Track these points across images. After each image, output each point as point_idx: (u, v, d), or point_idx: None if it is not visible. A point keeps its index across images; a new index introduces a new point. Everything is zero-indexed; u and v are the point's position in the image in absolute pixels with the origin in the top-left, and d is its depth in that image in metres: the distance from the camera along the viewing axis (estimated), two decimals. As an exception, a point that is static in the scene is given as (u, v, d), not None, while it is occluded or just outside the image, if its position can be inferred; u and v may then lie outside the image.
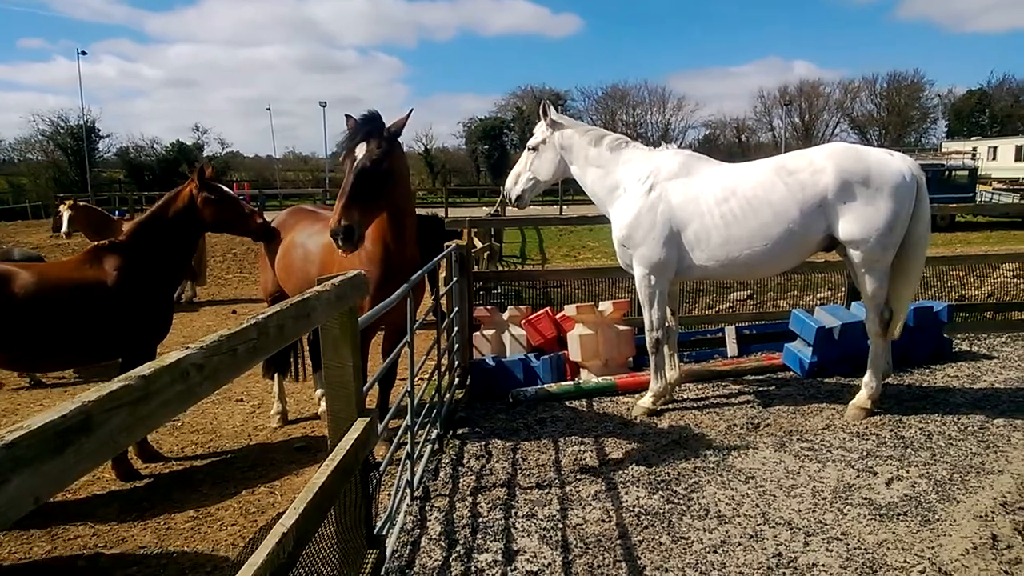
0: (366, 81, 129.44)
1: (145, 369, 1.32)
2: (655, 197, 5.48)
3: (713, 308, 11.59)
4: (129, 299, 4.89)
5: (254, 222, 5.52)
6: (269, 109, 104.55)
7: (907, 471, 4.38)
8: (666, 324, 5.80)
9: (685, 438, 5.14)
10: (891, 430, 5.09)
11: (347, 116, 4.79)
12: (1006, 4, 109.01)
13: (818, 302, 10.92)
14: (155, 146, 63.87)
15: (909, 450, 4.72)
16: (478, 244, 12.48)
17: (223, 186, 5.47)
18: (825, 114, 75.15)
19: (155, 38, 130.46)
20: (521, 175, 6.01)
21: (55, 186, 50.79)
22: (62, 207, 13.69)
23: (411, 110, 4.96)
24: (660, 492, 4.21)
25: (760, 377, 6.63)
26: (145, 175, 58.72)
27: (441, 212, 22.65)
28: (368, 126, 4.63)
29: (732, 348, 7.47)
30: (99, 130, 59.84)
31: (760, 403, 5.85)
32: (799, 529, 3.71)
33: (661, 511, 3.97)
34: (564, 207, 32.72)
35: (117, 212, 25.39)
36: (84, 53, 59.56)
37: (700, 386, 6.43)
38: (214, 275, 16.63)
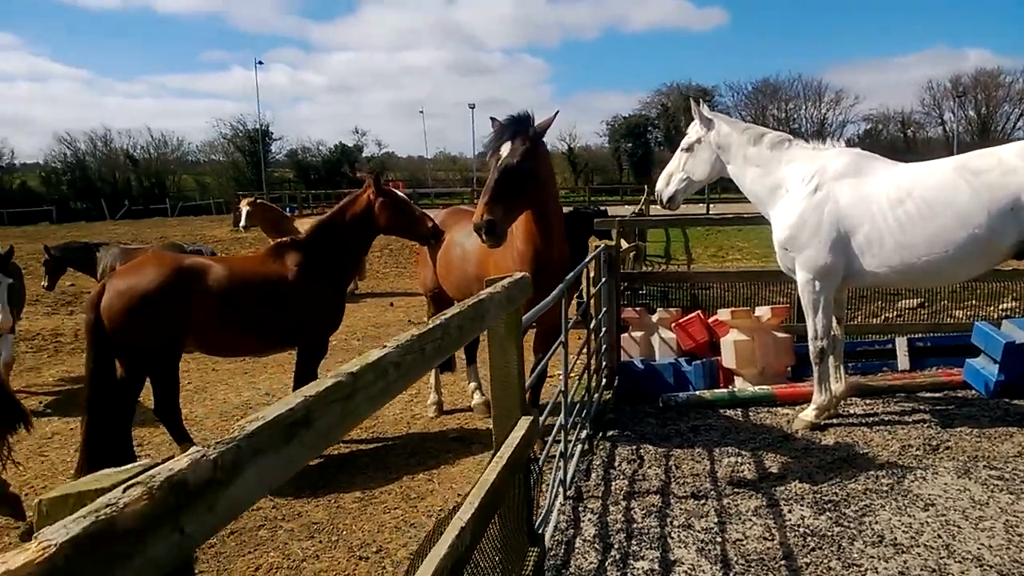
0: (511, 83, 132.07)
1: (353, 366, 1.40)
2: (821, 197, 5.19)
3: (879, 316, 10.85)
4: (307, 293, 5.25)
5: (425, 226, 5.72)
6: (422, 112, 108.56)
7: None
8: (831, 333, 5.48)
9: (853, 456, 4.84)
10: (1099, 460, 4.56)
11: (492, 119, 4.95)
12: None
13: (1001, 314, 9.94)
14: (320, 148, 68.66)
15: (1122, 485, 4.21)
16: (624, 244, 12.35)
17: (397, 192, 5.76)
18: (1006, 106, 68.04)
19: (319, 47, 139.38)
20: (674, 175, 5.89)
21: (234, 184, 55.73)
22: (242, 203, 14.90)
23: (557, 112, 5.04)
24: (827, 513, 3.98)
25: (936, 395, 6.13)
26: (311, 175, 63.15)
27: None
28: (514, 127, 4.75)
29: (903, 361, 6.95)
30: (272, 133, 65.16)
31: (938, 423, 5.41)
32: (991, 567, 3.37)
33: (829, 533, 3.75)
34: (711, 205, 31.74)
35: (288, 209, 27.31)
36: (261, 63, 64.65)
37: (868, 401, 6.03)
38: (373, 269, 17.56)
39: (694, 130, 5.81)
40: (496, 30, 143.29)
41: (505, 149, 4.70)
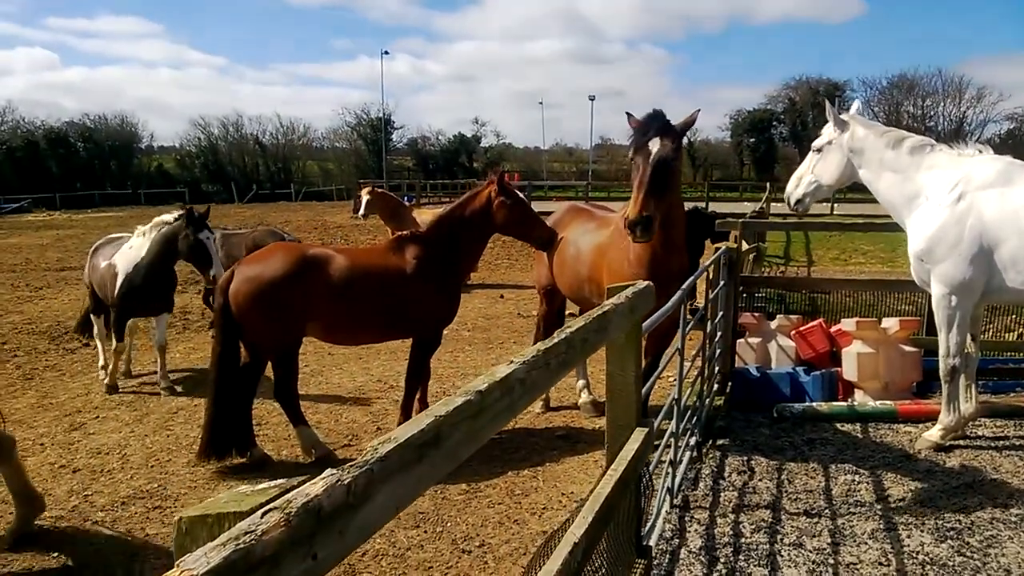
0: (631, 73, 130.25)
1: (480, 384, 1.47)
2: (964, 208, 4.90)
3: (1012, 331, 10.10)
4: (424, 286, 5.41)
5: (541, 232, 5.70)
6: (541, 103, 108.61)
7: None
8: (964, 351, 5.18)
9: (980, 482, 4.57)
10: None
11: (628, 115, 4.91)
12: None
13: None
14: (439, 137, 70.29)
15: None
16: (744, 245, 12.02)
17: (519, 192, 5.77)
18: None
19: (441, 36, 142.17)
20: (803, 178, 5.70)
21: (356, 172, 57.92)
22: (362, 192, 15.46)
23: (698, 110, 4.95)
24: (949, 541, 3.80)
25: (1079, 421, 5.69)
26: (430, 164, 64.81)
27: (701, 206, 22.05)
28: (659, 122, 4.70)
29: (1042, 382, 6.48)
30: (394, 122, 67.12)
31: (1079, 452, 5.03)
32: None
33: (950, 563, 3.58)
34: (836, 205, 30.29)
35: (406, 198, 28.12)
36: (387, 53, 66.53)
37: (999, 424, 5.67)
38: (485, 260, 17.73)
39: (827, 131, 5.60)
40: (618, 20, 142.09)
41: (655, 145, 4.63)
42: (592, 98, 64.02)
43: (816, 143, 5.67)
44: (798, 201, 5.74)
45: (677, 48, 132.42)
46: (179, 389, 7.48)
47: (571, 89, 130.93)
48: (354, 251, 6.00)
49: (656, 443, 4.19)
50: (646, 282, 2.82)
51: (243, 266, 5.34)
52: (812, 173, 5.65)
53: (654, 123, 4.68)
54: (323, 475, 1.04)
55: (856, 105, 5.79)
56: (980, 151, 5.18)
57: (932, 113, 66.49)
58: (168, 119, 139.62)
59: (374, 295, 5.32)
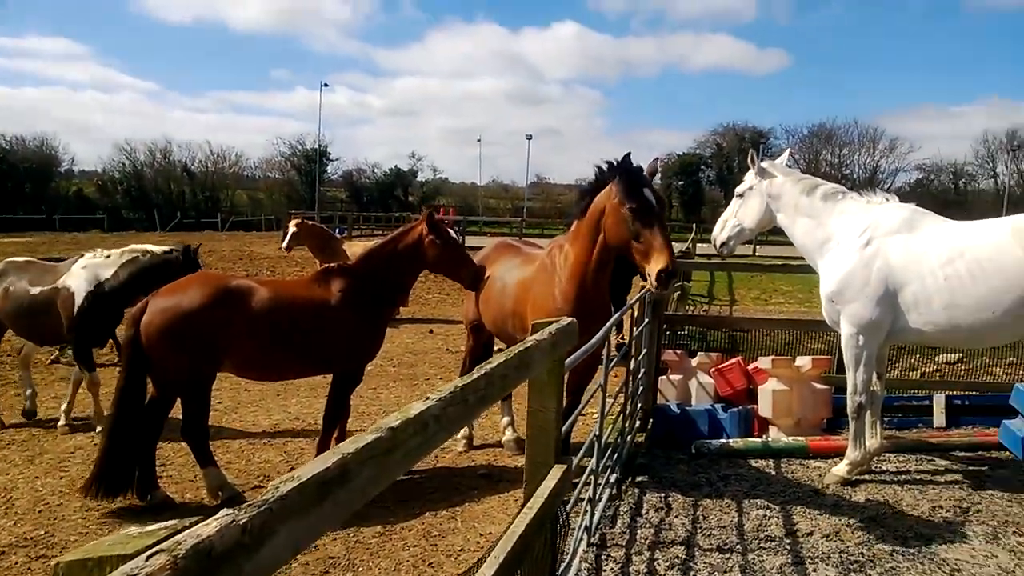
0: (567, 113, 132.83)
1: (392, 421, 1.50)
2: (872, 253, 5.20)
3: (917, 370, 10.65)
4: (349, 320, 5.35)
5: (469, 270, 5.75)
6: (479, 140, 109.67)
7: None
8: (871, 388, 5.45)
9: (883, 516, 4.79)
10: None
11: (600, 167, 5.05)
12: None
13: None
14: (375, 170, 70.17)
15: None
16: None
17: (450, 231, 5.83)
18: (1059, 162, 66.41)
19: (383, 71, 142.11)
20: (728, 221, 5.98)
21: (287, 202, 57.04)
22: (291, 223, 15.27)
23: (657, 159, 5.16)
24: (853, 574, 3.97)
25: (971, 455, 6.03)
26: (364, 196, 64.37)
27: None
28: (646, 175, 4.86)
29: (940, 419, 6.85)
30: (330, 154, 66.80)
31: (970, 485, 5.33)
32: (1016, 641, 3.35)
33: (853, 595, 3.74)
34: (758, 247, 31.45)
35: (338, 229, 27.82)
36: (327, 85, 66.28)
37: (902, 458, 5.96)
38: (415, 294, 17.62)
39: (748, 178, 5.89)
40: (556, 62, 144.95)
41: (651, 195, 4.72)
42: (529, 137, 65.46)
43: (739, 189, 5.96)
44: (723, 243, 6.00)
45: (612, 91, 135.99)
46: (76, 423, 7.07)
47: (508, 127, 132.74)
48: (276, 283, 5.92)
49: (576, 480, 4.26)
50: (569, 319, 2.90)
51: (157, 297, 5.15)
52: (735, 217, 5.92)
53: (644, 175, 4.82)
54: (217, 515, 1.00)
55: (786, 155, 6.12)
56: (887, 199, 5.51)
57: (848, 161, 70.32)
58: (92, 143, 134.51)
59: (296, 329, 5.22)
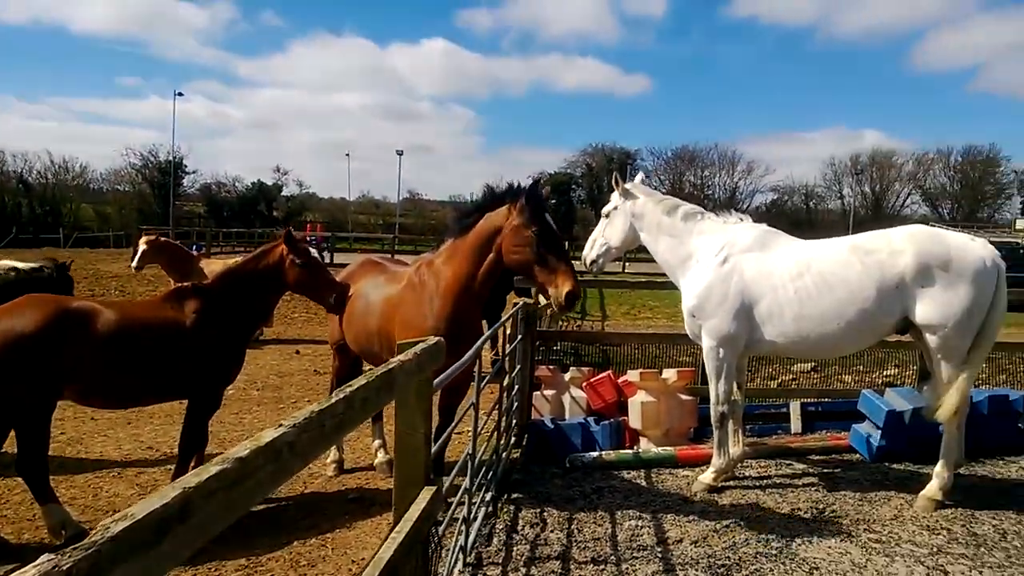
0: (439, 130, 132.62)
1: (241, 451, 1.35)
2: (728, 269, 5.43)
3: (775, 379, 11.32)
4: (203, 343, 5.02)
5: (331, 292, 5.47)
6: (348, 155, 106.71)
7: (980, 572, 4.16)
8: (732, 398, 5.68)
9: (747, 519, 4.98)
10: (963, 525, 4.84)
11: (491, 187, 5.26)
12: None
13: (884, 379, 10.55)
14: (236, 184, 66.76)
15: (982, 549, 4.47)
16: (542, 301, 12.48)
17: (312, 251, 5.58)
18: (897, 185, 73.73)
19: (242, 81, 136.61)
20: (596, 241, 6.09)
21: (139, 217, 53.36)
22: (141, 241, 14.25)
23: (540, 180, 5.43)
24: (720, 578, 4.07)
25: (825, 458, 6.41)
26: (225, 211, 61.21)
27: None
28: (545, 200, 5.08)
29: (796, 425, 7.26)
30: (186, 166, 62.96)
31: (825, 487, 5.64)
32: (869, 633, 3.53)
33: (721, 599, 3.83)
34: (627, 264, 32.59)
35: (195, 246, 26.34)
36: (181, 94, 62.50)
37: (763, 464, 6.24)
38: (280, 314, 16.97)
39: (614, 198, 6.03)
40: (427, 78, 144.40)
41: (551, 220, 4.92)
42: (400, 153, 64.92)
43: (605, 209, 6.10)
44: (592, 262, 6.11)
45: (484, 109, 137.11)
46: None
47: (379, 142, 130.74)
48: (123, 304, 5.44)
49: (451, 500, 4.16)
50: (436, 338, 2.80)
51: None
52: (603, 236, 6.05)
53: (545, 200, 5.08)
54: (37, 561, 0.90)
55: (640, 176, 6.29)
56: (742, 219, 5.80)
57: (710, 183, 74.58)
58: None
59: (144, 354, 4.84)
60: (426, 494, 2.59)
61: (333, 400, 1.76)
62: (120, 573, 1.00)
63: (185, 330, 4.99)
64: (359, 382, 1.99)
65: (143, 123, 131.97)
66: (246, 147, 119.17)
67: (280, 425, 1.51)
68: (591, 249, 6.10)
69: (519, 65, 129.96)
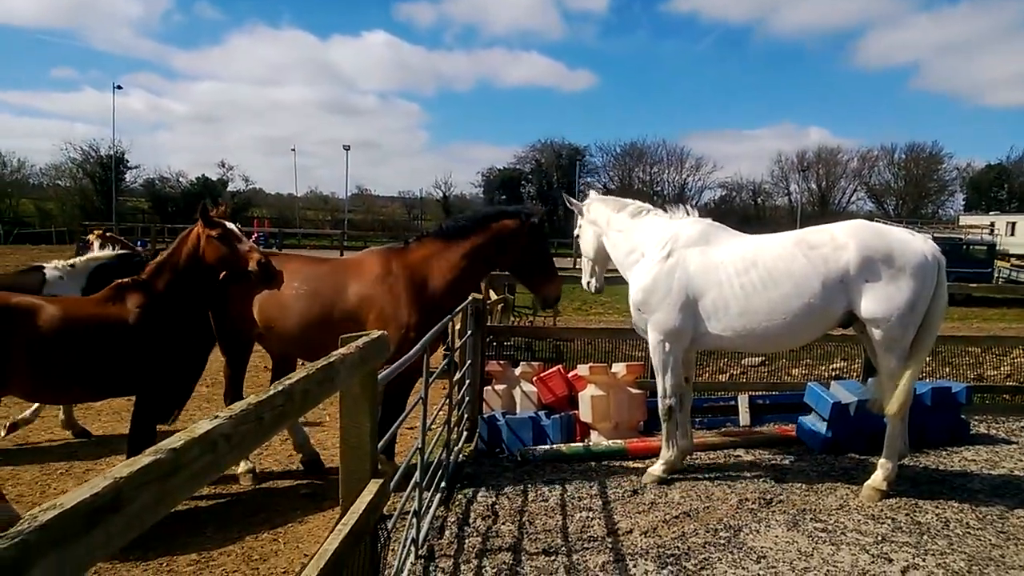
0: (385, 126, 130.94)
1: (175, 441, 1.32)
2: (673, 263, 5.51)
3: (725, 373, 11.51)
4: (148, 337, 4.91)
5: (252, 260, 5.05)
6: (294, 150, 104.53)
7: (923, 559, 4.28)
8: (680, 391, 5.76)
9: (696, 510, 5.06)
10: (907, 514, 4.99)
11: (506, 208, 6.00)
12: (1019, 79, 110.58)
13: (832, 373, 10.82)
14: (180, 179, 65.02)
15: (925, 537, 4.62)
16: (493, 296, 12.50)
17: (228, 224, 5.19)
18: (842, 181, 75.47)
19: (181, 74, 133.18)
20: (582, 265, 6.41)
21: (80, 213, 51.65)
22: (91, 236, 13.81)
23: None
24: (669, 567, 4.13)
25: (773, 449, 6.54)
26: (169, 207, 59.55)
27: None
28: None
29: (745, 417, 7.40)
30: (128, 161, 61.05)
31: (772, 477, 5.76)
32: (811, 617, 3.62)
33: (669, 588, 3.89)
34: (577, 260, 32.78)
35: (139, 242, 25.71)
36: (120, 87, 60.66)
37: (712, 455, 6.34)
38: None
39: (577, 219, 6.30)
40: (370, 72, 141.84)
41: None
42: (347, 148, 63.99)
43: (575, 232, 6.34)
44: (587, 283, 6.38)
45: (430, 105, 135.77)
46: None
47: (325, 137, 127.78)
48: (65, 300, 5.28)
49: (402, 494, 4.14)
50: (380, 331, 2.78)
51: None
52: (583, 256, 6.30)
53: None
54: None
55: (592, 193, 6.39)
56: (688, 213, 5.89)
57: (659, 179, 75.11)
58: None
59: (88, 350, 4.72)
60: (372, 487, 2.57)
61: (272, 392, 1.73)
62: (49, 562, 0.99)
63: (128, 325, 4.87)
64: (300, 374, 1.96)
65: (81, 117, 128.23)
66: (189, 142, 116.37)
67: (216, 417, 1.48)
68: (583, 275, 6.41)
69: (463, 59, 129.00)
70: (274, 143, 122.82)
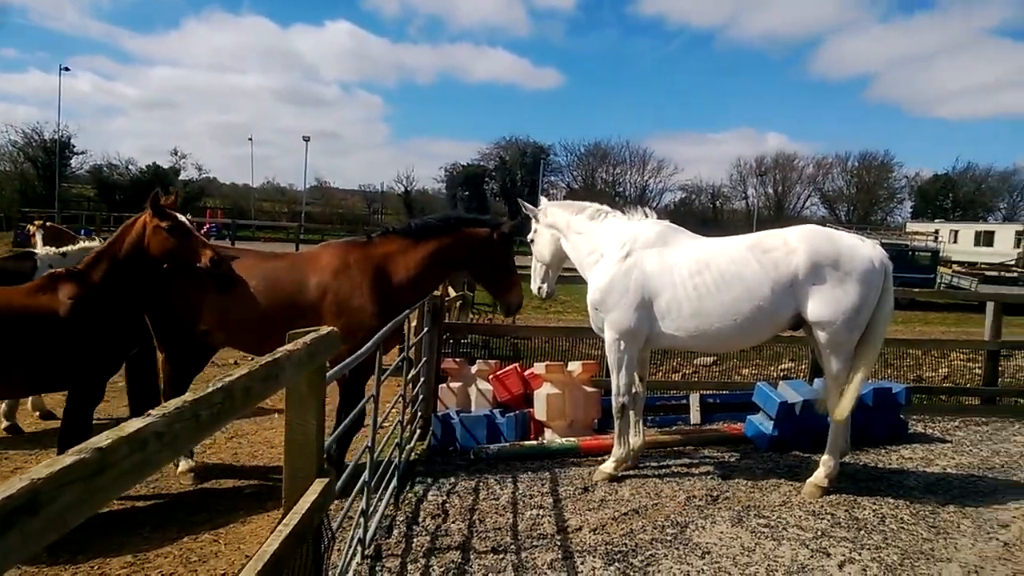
0: (347, 117, 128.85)
1: (103, 440, 1.28)
2: (630, 264, 5.55)
3: (678, 372, 11.65)
4: (83, 330, 4.72)
5: (204, 256, 4.93)
6: (251, 139, 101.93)
7: (859, 554, 4.39)
8: (633, 390, 5.81)
9: (644, 507, 5.10)
10: (846, 510, 5.11)
11: (475, 215, 6.18)
12: (968, 92, 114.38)
13: (781, 373, 11.03)
14: (130, 167, 62.87)
15: (862, 532, 4.74)
16: (452, 292, 12.45)
17: (179, 216, 5.05)
18: (798, 187, 77.00)
19: (134, 58, 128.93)
20: (533, 270, 6.32)
21: (20, 198, 49.77)
22: (32, 227, 13.34)
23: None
24: (616, 564, 4.16)
25: (721, 447, 6.65)
26: (117, 195, 57.60)
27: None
28: None
29: (695, 416, 7.50)
30: (74, 146, 58.98)
31: (720, 475, 5.85)
32: (754, 614, 3.67)
33: (616, 585, 3.91)
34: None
35: (84, 231, 24.97)
36: (67, 69, 58.66)
37: (662, 453, 6.41)
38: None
39: (532, 224, 6.26)
40: (331, 62, 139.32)
41: None
42: (307, 139, 62.82)
43: (530, 237, 6.28)
44: (539, 289, 6.31)
45: (392, 97, 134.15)
46: None
47: (283, 127, 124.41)
48: None
49: (350, 493, 4.09)
50: (329, 328, 2.74)
51: None
52: (537, 261, 6.23)
53: None
54: None
55: (543, 200, 6.36)
56: (646, 215, 5.94)
57: (622, 180, 75.55)
58: None
59: (13, 342, 4.52)
60: (317, 486, 2.52)
61: (210, 389, 1.69)
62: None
63: (60, 318, 4.67)
64: (241, 370, 1.91)
65: (25, 99, 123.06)
66: (141, 128, 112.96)
67: (148, 415, 1.44)
68: (534, 280, 6.31)
69: (428, 53, 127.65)
70: (231, 131, 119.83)
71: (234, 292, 5.43)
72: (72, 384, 4.87)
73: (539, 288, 6.30)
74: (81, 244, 7.55)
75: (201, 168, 66.83)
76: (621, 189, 72.72)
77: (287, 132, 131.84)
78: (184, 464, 5.62)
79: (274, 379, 2.09)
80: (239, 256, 5.70)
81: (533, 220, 6.23)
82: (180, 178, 62.86)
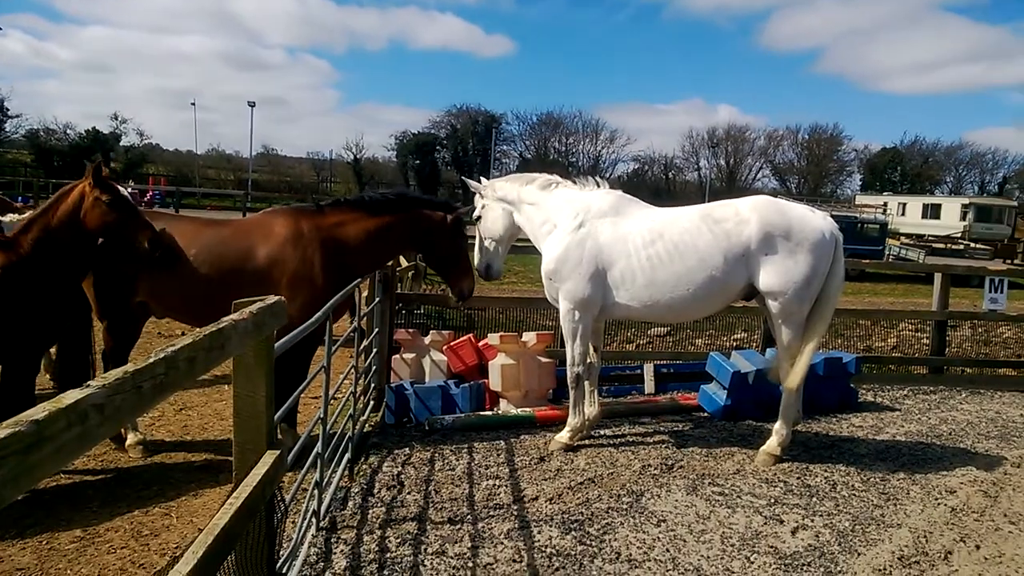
0: (294, 83, 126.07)
1: (39, 412, 1.20)
2: (584, 234, 5.54)
3: (632, 343, 11.77)
4: (12, 301, 4.50)
5: (145, 236, 4.74)
6: (194, 104, 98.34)
7: (812, 520, 4.51)
8: (588, 360, 5.83)
9: (600, 476, 5.15)
10: (798, 478, 5.24)
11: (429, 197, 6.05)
12: (915, 67, 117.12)
13: (733, 343, 11.23)
14: (68, 131, 60.47)
15: (814, 499, 4.86)
16: (403, 263, 12.31)
17: (121, 189, 4.82)
18: (749, 159, 78.16)
19: (66, 17, 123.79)
20: (479, 247, 6.11)
21: (-49, 165, 47.64)
22: None
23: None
24: (573, 532, 4.19)
25: (676, 417, 6.74)
26: (55, 161, 55.44)
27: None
28: None
29: (649, 386, 7.58)
30: (8, 109, 56.56)
31: (674, 444, 5.94)
32: (707, 577, 3.75)
33: (573, 552, 3.94)
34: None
35: (20, 199, 24.02)
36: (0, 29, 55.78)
37: (617, 422, 6.48)
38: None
39: (477, 200, 6.11)
40: (276, 25, 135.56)
41: None
42: (252, 104, 60.97)
43: (475, 214, 6.10)
44: (487, 268, 6.08)
45: (341, 63, 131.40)
46: None
47: (227, 92, 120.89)
48: None
49: (304, 464, 4.02)
50: (277, 297, 2.66)
51: None
52: (484, 238, 6.04)
53: None
54: None
55: (483, 180, 6.27)
56: (599, 185, 5.92)
57: (575, 150, 75.59)
58: None
59: None
60: (268, 458, 2.46)
61: (151, 360, 1.61)
62: None
63: None
64: (185, 340, 1.83)
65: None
66: (78, 91, 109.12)
67: (87, 386, 1.36)
68: (480, 258, 6.09)
69: (376, 17, 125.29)
70: (173, 96, 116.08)
71: (173, 263, 5.21)
72: (3, 357, 4.66)
73: (486, 267, 6.08)
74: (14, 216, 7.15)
75: (143, 134, 64.56)
76: (574, 159, 72.84)
77: (232, 98, 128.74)
78: (132, 437, 5.46)
79: (219, 349, 2.02)
80: (180, 224, 5.48)
81: (478, 196, 6.12)
82: (121, 144, 60.85)
